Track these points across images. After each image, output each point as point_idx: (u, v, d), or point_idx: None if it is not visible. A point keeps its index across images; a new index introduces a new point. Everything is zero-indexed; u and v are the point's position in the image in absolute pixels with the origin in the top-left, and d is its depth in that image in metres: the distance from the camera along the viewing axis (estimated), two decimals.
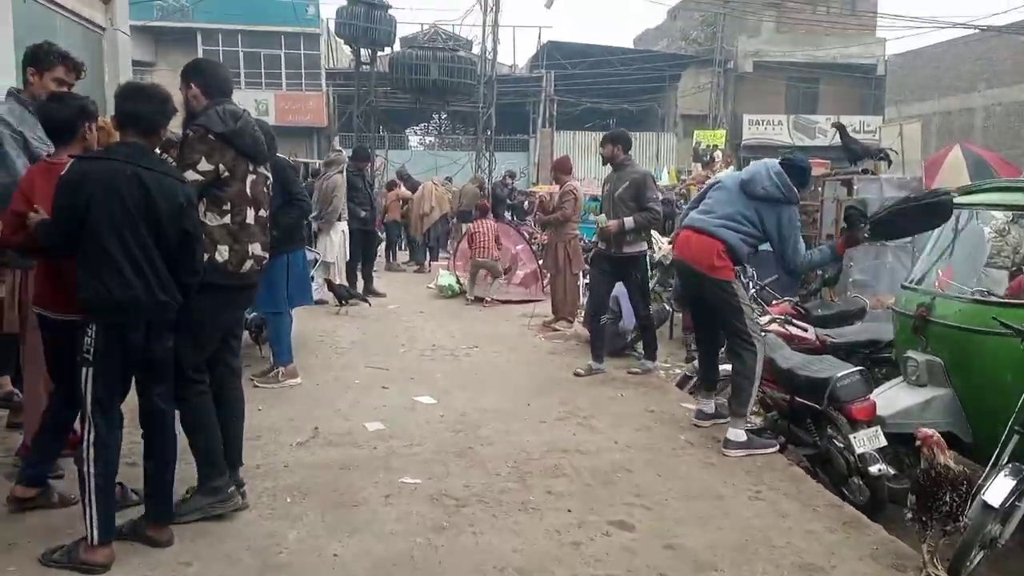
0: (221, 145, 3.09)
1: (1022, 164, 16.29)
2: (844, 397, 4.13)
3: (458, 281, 10.37)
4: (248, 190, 3.22)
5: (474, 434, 4.43)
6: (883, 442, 4.09)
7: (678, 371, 7.23)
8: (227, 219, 3.15)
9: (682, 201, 12.75)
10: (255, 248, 3.25)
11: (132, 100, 2.88)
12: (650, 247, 10.11)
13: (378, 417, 4.67)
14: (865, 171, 7.43)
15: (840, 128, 7.68)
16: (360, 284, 9.60)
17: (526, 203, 17.79)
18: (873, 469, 4.02)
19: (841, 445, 4.23)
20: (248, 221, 3.22)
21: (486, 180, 16.54)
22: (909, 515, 3.01)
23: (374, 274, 10.49)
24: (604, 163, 6.24)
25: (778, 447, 4.39)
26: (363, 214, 9.51)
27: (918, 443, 2.94)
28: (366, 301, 8.65)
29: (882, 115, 26.62)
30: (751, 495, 3.72)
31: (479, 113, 23.13)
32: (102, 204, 2.66)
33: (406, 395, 5.20)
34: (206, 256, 3.05)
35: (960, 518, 2.90)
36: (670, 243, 10.86)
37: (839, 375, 4.16)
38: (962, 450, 4.53)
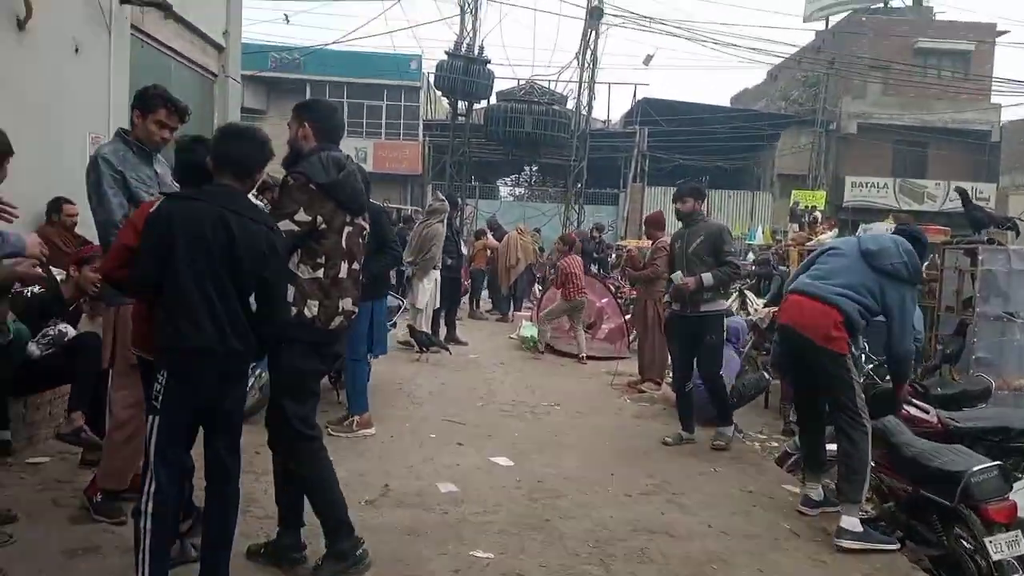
0: (321, 196, 2.96)
1: None
2: (980, 495, 3.60)
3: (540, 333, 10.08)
4: (344, 243, 3.07)
5: (552, 504, 4.09)
6: None
7: (775, 444, 6.71)
8: (320, 273, 3.00)
9: (777, 261, 12.21)
10: (346, 303, 3.09)
11: (230, 141, 2.82)
12: (744, 308, 9.64)
13: (451, 477, 4.40)
14: (991, 240, 6.78)
15: (963, 194, 7.10)
16: (443, 331, 9.49)
17: (612, 256, 17.48)
18: None
19: (970, 547, 3.68)
20: (341, 275, 3.06)
21: (589, 234, 16.30)
22: None
23: (457, 322, 10.38)
24: (680, 219, 5.82)
25: (899, 545, 3.85)
26: (450, 262, 9.44)
27: None
28: (447, 349, 8.49)
29: (996, 182, 25.13)
30: None
31: (570, 166, 23.17)
32: (184, 246, 2.56)
33: (482, 454, 4.92)
34: (294, 311, 2.92)
35: None
36: (766, 305, 10.40)
37: (975, 469, 3.63)
38: None
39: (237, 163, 2.77)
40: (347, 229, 3.07)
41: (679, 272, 5.50)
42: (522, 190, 34.11)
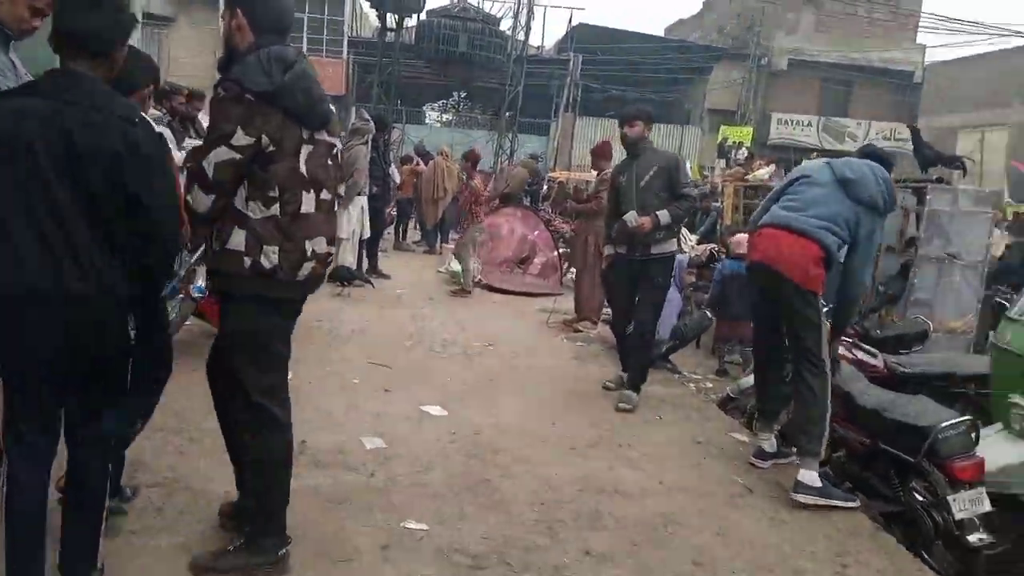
0: (263, 108, 2.25)
1: None
2: (947, 452, 3.41)
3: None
4: (304, 167, 2.37)
5: (492, 461, 3.69)
6: (987, 507, 3.40)
7: (709, 384, 6.54)
8: (274, 209, 2.32)
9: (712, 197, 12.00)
10: (317, 244, 2.42)
11: (70, 8, 2.07)
12: (677, 245, 9.39)
13: (378, 430, 3.92)
14: (939, 180, 6.63)
15: (915, 132, 6.88)
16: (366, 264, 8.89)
17: (544, 187, 17.01)
18: (972, 538, 3.37)
19: (923, 500, 3.52)
20: (305, 210, 2.38)
21: (539, 163, 15.56)
22: None
23: (382, 253, 9.77)
24: (626, 146, 5.15)
25: (858, 503, 3.65)
26: (375, 189, 8.75)
27: None
28: (370, 283, 7.92)
29: (915, 124, 25.72)
30: (837, 572, 2.98)
31: (505, 91, 22.27)
32: (5, 155, 1.91)
33: (411, 402, 4.45)
34: (248, 261, 2.30)
35: None
36: (699, 241, 10.20)
37: (943, 425, 3.43)
38: None
39: (80, 36, 2.04)
40: (306, 148, 2.37)
41: (633, 212, 4.86)
42: (450, 116, 33.04)
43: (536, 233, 10.50)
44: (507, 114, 22.95)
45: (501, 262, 10.09)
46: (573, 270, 8.61)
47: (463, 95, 30.98)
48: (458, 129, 27.26)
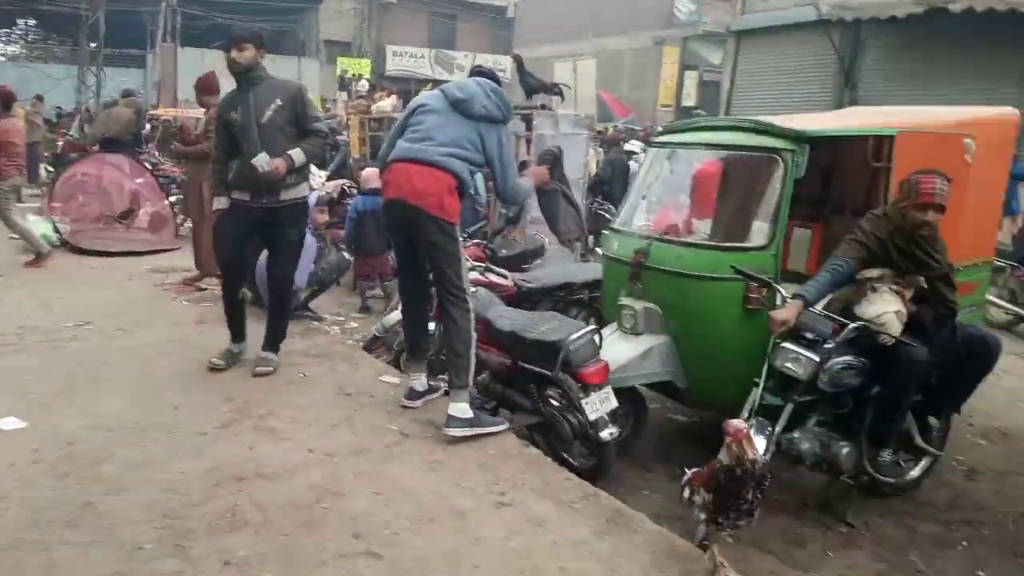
0: None
1: None
2: (577, 361, 3.63)
3: (56, 229, 7.89)
4: None
5: (93, 475, 2.93)
6: (614, 404, 3.72)
7: (353, 324, 6.32)
8: None
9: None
10: None
11: None
12: (306, 181, 8.86)
13: None
14: (543, 106, 7.11)
15: (518, 61, 7.24)
16: None
17: (147, 127, 14.93)
18: (604, 433, 3.67)
19: (560, 407, 3.76)
20: None
21: (141, 102, 13.33)
22: (702, 516, 2.52)
23: None
24: (236, 74, 4.29)
25: (507, 425, 3.73)
26: None
27: (728, 439, 2.40)
28: None
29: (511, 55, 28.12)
30: (496, 502, 2.96)
31: (83, 18, 18.75)
32: None
33: None
34: None
35: (755, 513, 2.48)
36: (329, 178, 9.79)
37: (572, 337, 3.63)
38: (676, 396, 4.41)
39: None
40: None
41: (264, 154, 4.10)
42: (17, 49, 27.31)
43: (140, 181, 9.07)
44: (91, 45, 19.47)
45: (96, 218, 8.54)
46: (189, 221, 7.60)
47: (31, 23, 25.64)
48: (29, 64, 22.50)
